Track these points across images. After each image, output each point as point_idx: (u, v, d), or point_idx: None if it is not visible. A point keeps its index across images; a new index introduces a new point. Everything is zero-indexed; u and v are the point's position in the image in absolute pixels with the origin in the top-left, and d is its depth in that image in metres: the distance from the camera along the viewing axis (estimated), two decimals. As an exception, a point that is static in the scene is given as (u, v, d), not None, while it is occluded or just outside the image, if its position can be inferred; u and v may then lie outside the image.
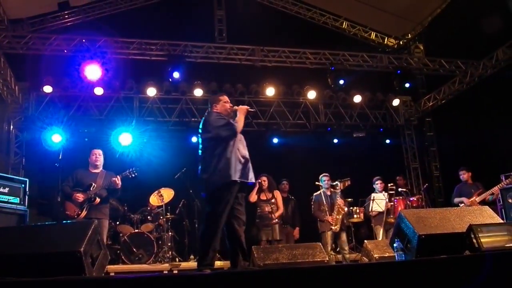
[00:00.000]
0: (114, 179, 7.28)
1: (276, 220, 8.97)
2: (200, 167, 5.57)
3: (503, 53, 11.40)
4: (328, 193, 9.34)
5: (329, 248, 8.98)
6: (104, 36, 10.97)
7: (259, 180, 9.08)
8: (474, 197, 9.37)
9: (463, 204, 9.26)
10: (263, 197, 9.12)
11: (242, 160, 5.54)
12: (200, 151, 5.66)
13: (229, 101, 5.97)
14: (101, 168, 7.58)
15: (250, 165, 5.62)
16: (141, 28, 11.77)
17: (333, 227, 9.01)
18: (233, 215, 5.45)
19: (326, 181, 9.38)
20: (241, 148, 5.64)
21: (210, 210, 5.40)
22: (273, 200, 9.15)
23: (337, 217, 9.05)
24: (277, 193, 9.34)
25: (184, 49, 11.64)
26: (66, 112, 11.55)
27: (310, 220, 9.56)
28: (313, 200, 9.46)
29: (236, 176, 5.38)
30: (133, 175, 7.57)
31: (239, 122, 5.68)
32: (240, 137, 5.72)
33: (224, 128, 5.54)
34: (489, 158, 11.11)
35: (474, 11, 11.15)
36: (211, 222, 5.33)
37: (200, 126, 5.72)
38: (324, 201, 9.20)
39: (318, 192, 9.41)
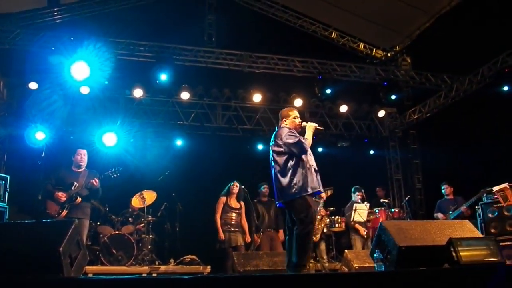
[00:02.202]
0: (92, 181, 7.23)
1: (239, 229, 8.96)
2: (273, 178, 5.93)
3: (488, 70, 11.54)
4: (311, 202, 9.35)
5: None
6: (93, 35, 10.91)
7: (232, 184, 9.07)
8: (448, 214, 9.61)
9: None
10: (232, 203, 9.04)
11: (314, 172, 5.78)
12: (272, 162, 6.00)
13: (298, 116, 6.24)
14: (84, 168, 7.53)
15: (318, 175, 5.85)
16: (131, 28, 11.72)
17: (313, 237, 9.01)
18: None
19: None
20: (311, 159, 5.88)
21: (298, 218, 5.64)
22: (239, 211, 9.09)
23: (318, 226, 9.07)
24: (243, 205, 9.24)
25: (173, 51, 11.64)
26: (51, 110, 11.45)
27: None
28: None
29: (310, 189, 5.65)
30: (115, 175, 7.53)
31: (309, 140, 5.97)
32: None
33: (296, 147, 5.78)
34: (471, 172, 11.22)
35: (461, 27, 11.29)
36: (305, 230, 5.58)
37: (272, 139, 6.05)
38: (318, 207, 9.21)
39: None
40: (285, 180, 5.73)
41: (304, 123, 6.16)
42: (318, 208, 9.19)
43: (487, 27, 10.79)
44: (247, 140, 13.13)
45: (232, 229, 8.85)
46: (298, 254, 5.60)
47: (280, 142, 5.88)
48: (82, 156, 7.52)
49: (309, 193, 5.63)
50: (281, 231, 9.64)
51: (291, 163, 5.76)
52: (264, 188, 9.86)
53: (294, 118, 6.15)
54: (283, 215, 9.89)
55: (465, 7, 11.27)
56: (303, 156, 5.78)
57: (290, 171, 5.73)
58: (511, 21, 10.38)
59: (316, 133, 6.18)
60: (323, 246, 9.23)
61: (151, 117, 12.37)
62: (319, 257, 9.27)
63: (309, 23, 13.28)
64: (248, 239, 9.10)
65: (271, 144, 6.06)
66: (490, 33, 10.89)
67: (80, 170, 7.47)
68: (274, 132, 6.11)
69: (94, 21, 11.86)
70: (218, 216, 8.85)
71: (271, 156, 6.03)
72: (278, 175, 5.82)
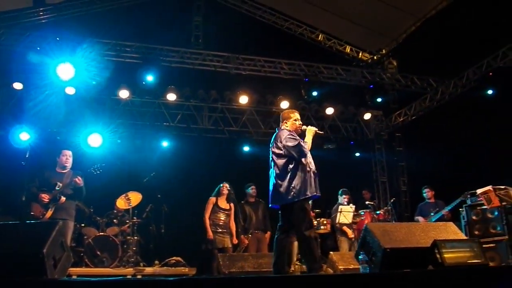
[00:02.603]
0: (75, 179, 7.17)
1: (228, 230, 8.94)
2: (272, 181, 5.90)
3: (473, 73, 11.64)
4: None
5: (295, 259, 9.01)
6: (79, 35, 10.84)
7: (222, 184, 9.06)
8: (428, 217, 9.69)
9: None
10: (221, 204, 9.03)
11: (313, 176, 5.77)
12: (271, 163, 5.99)
13: (299, 118, 6.20)
14: (68, 169, 7.47)
15: (317, 178, 5.84)
16: (117, 29, 11.67)
17: None
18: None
19: None
20: (312, 163, 5.88)
21: (297, 223, 5.63)
22: (228, 212, 9.07)
23: None
24: (233, 206, 9.22)
25: (160, 52, 11.63)
26: (36, 111, 11.35)
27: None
28: None
29: (309, 192, 5.64)
30: (98, 172, 7.47)
31: (308, 143, 5.93)
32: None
33: (296, 150, 5.75)
34: (455, 175, 11.30)
35: (447, 31, 11.38)
36: (307, 233, 5.57)
37: (272, 141, 6.04)
38: None
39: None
40: (283, 183, 5.72)
41: (304, 127, 6.15)
42: None
43: (473, 31, 10.89)
44: (233, 142, 13.14)
45: (220, 230, 8.83)
46: (307, 259, 5.66)
47: (280, 145, 5.87)
48: (68, 158, 7.47)
49: (307, 197, 5.64)
50: (269, 232, 9.63)
51: (290, 166, 5.76)
52: (252, 189, 9.83)
53: (295, 120, 6.13)
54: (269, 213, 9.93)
55: (451, 11, 11.35)
56: (303, 160, 5.77)
57: (289, 174, 5.72)
58: (495, 26, 10.49)
59: (315, 137, 6.17)
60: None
61: (137, 118, 12.32)
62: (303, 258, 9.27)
63: (296, 26, 13.30)
64: (235, 241, 9.08)
65: (270, 145, 6.06)
66: (475, 37, 10.99)
67: (65, 171, 7.42)
68: (274, 134, 6.11)
69: (80, 21, 11.78)
70: (207, 216, 8.83)
71: (270, 157, 6.03)
72: (277, 177, 5.82)
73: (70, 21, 11.80)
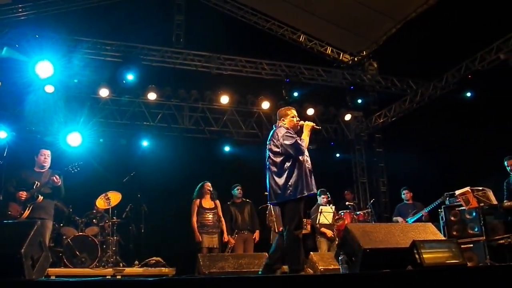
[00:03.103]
0: (53, 178, 7.10)
1: (216, 229, 8.95)
2: (268, 178, 5.88)
3: (452, 76, 11.77)
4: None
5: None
6: (59, 33, 10.73)
7: (203, 184, 9.04)
8: (408, 217, 9.77)
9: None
10: (206, 205, 9.01)
11: (309, 174, 5.79)
12: (267, 161, 5.95)
13: (296, 115, 6.19)
14: (46, 168, 7.39)
15: (312, 176, 5.85)
16: (97, 27, 11.57)
17: None
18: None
19: None
20: (308, 160, 5.89)
21: (288, 221, 5.69)
22: (215, 210, 9.07)
23: None
24: (218, 203, 9.25)
25: (140, 51, 11.57)
26: (14, 109, 11.22)
27: (264, 229, 9.57)
28: (268, 210, 9.44)
29: (305, 191, 5.67)
30: (75, 170, 7.40)
31: (306, 140, 5.94)
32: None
33: (293, 148, 5.75)
34: (434, 176, 11.42)
35: (427, 33, 11.50)
36: (295, 233, 5.64)
37: (268, 138, 6.03)
38: (273, 212, 9.21)
39: (273, 202, 9.37)
40: (280, 181, 5.73)
41: (301, 122, 6.14)
42: None
43: (452, 34, 11.03)
44: (214, 142, 13.11)
45: (209, 230, 8.84)
46: (290, 259, 5.67)
47: (277, 143, 5.85)
48: (46, 157, 7.39)
49: (304, 195, 5.67)
50: (257, 231, 9.61)
51: (287, 164, 5.75)
52: (237, 190, 9.84)
53: (293, 117, 6.12)
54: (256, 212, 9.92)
55: (430, 15, 11.48)
56: (300, 157, 5.78)
57: (286, 172, 5.72)
58: (474, 29, 10.63)
59: (313, 132, 6.18)
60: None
61: (117, 117, 12.23)
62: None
63: (277, 26, 13.33)
64: (226, 238, 9.09)
65: (268, 142, 6.04)
66: (455, 40, 11.14)
67: (43, 170, 7.35)
68: (272, 131, 6.10)
69: (60, 19, 11.65)
70: (194, 219, 8.83)
71: (267, 154, 6.01)
72: (274, 175, 5.81)
73: (50, 18, 11.67)
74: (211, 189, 9.12)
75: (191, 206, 8.98)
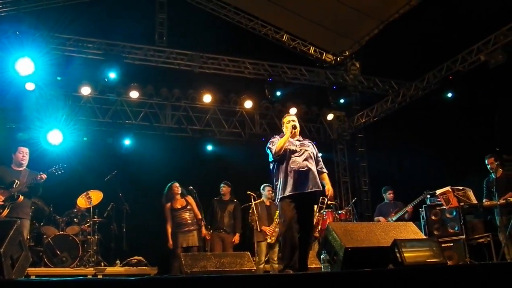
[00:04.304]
0: (38, 176, 7.01)
1: (195, 226, 8.87)
2: None
3: (433, 76, 11.88)
4: (267, 203, 9.37)
5: (264, 258, 9.01)
6: (40, 30, 10.62)
7: (171, 185, 8.98)
8: (390, 216, 9.82)
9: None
10: (177, 205, 8.93)
11: (296, 175, 5.87)
12: None
13: (291, 119, 6.30)
14: (25, 167, 7.29)
15: (309, 175, 5.92)
16: (79, 25, 11.44)
17: (268, 239, 9.01)
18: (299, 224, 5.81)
19: (268, 191, 9.39)
20: (298, 160, 5.96)
21: (281, 221, 5.98)
22: (189, 207, 8.99)
23: (276, 230, 9.05)
24: (189, 198, 9.09)
25: (122, 49, 11.51)
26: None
27: (247, 228, 9.54)
28: (251, 209, 9.43)
29: (287, 192, 5.83)
30: (60, 172, 7.31)
31: (284, 138, 6.03)
32: (299, 148, 6.06)
33: (269, 153, 6.10)
34: (415, 175, 11.53)
35: (409, 34, 11.59)
36: (282, 231, 5.88)
37: None
38: (260, 211, 9.21)
39: (257, 201, 9.36)
40: (275, 185, 6.07)
41: (292, 123, 6.23)
42: (277, 212, 9.18)
43: (434, 36, 11.13)
44: (196, 141, 13.06)
45: (188, 228, 8.76)
46: (281, 256, 5.89)
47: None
48: (24, 155, 7.28)
49: (285, 195, 5.82)
50: (237, 234, 9.52)
51: (276, 168, 6.08)
52: (221, 188, 9.73)
53: (288, 123, 6.26)
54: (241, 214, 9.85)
55: (413, 16, 11.59)
56: (284, 162, 5.96)
57: (275, 175, 6.04)
58: (455, 30, 10.74)
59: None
60: (276, 247, 9.24)
61: (98, 116, 12.13)
62: (269, 257, 9.28)
63: (260, 26, 13.34)
64: (204, 233, 9.00)
65: None
66: (436, 41, 11.25)
67: (21, 169, 7.23)
68: None
69: (41, 16, 11.50)
70: (169, 225, 8.75)
71: None
72: (273, 179, 6.12)
73: (31, 15, 11.52)
74: (180, 188, 9.02)
75: (164, 211, 8.88)
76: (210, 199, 9.79)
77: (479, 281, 4.03)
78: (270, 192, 9.40)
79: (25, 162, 7.29)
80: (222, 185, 9.79)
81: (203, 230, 8.97)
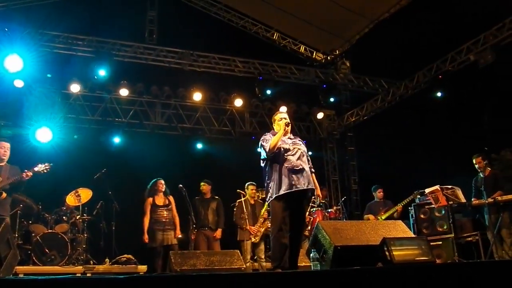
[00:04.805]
0: (24, 174, 6.93)
1: (172, 226, 8.82)
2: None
3: (423, 76, 11.93)
4: (252, 202, 9.38)
5: (248, 257, 9.01)
6: (29, 27, 10.55)
7: (156, 182, 8.93)
8: (380, 215, 9.87)
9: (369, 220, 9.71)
10: (159, 202, 8.89)
11: (291, 173, 5.78)
12: None
13: (283, 117, 6.22)
14: (5, 162, 7.18)
15: (304, 173, 5.84)
16: (69, 22, 11.37)
17: (252, 238, 9.01)
18: (290, 223, 5.76)
19: (252, 190, 9.39)
20: (292, 159, 5.87)
21: (272, 221, 5.99)
22: (169, 206, 8.95)
23: (260, 229, 9.06)
24: (171, 198, 9.07)
25: (113, 47, 11.47)
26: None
27: (229, 227, 9.54)
28: (235, 207, 9.44)
29: (282, 191, 5.72)
30: (45, 171, 7.23)
31: (272, 140, 5.93)
32: (293, 147, 5.97)
33: (262, 151, 6.00)
34: (404, 174, 11.57)
35: (399, 33, 11.63)
36: (272, 231, 5.81)
37: None
38: (245, 210, 9.21)
39: (241, 200, 9.38)
40: (266, 183, 5.95)
41: (284, 120, 6.14)
42: (262, 211, 9.20)
43: (423, 35, 11.18)
44: (186, 139, 13.04)
45: (165, 227, 8.70)
46: (271, 256, 5.83)
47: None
48: (6, 150, 7.15)
49: (279, 195, 5.72)
50: (219, 230, 9.49)
51: (268, 167, 5.96)
52: (201, 186, 9.70)
53: (279, 120, 6.17)
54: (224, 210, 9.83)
55: (403, 15, 11.62)
56: (277, 161, 5.87)
57: (267, 175, 5.94)
58: (445, 30, 10.79)
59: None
60: (262, 245, 9.27)
61: (88, 113, 12.07)
62: (256, 256, 9.30)
63: (251, 24, 13.33)
64: (178, 233, 8.94)
65: None
66: (426, 40, 11.29)
67: (2, 164, 7.13)
68: None
69: (30, 12, 11.42)
70: (146, 218, 8.67)
71: None
72: (265, 177, 6.02)
73: (20, 12, 11.43)
74: (164, 186, 8.99)
75: (144, 204, 8.83)
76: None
77: (468, 279, 4.05)
78: (254, 191, 9.42)
79: (6, 158, 7.16)
80: (202, 183, 9.74)
81: (177, 231, 8.90)
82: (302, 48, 13.91)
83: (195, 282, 3.41)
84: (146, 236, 8.57)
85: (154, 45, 12.13)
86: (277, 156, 5.88)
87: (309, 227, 9.69)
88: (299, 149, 5.98)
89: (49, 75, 11.17)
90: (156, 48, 11.98)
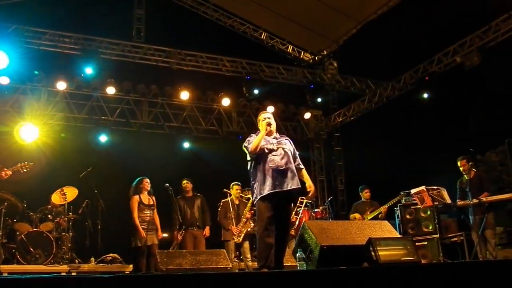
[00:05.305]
0: (3, 173, 6.87)
1: (154, 227, 8.75)
2: None
3: (410, 77, 12.00)
4: (237, 202, 9.37)
5: (233, 256, 9.01)
6: (14, 23, 10.46)
7: (142, 180, 8.87)
8: (366, 215, 9.92)
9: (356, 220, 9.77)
10: (145, 200, 8.82)
11: (275, 174, 5.75)
12: None
13: (266, 117, 6.13)
14: None
15: (288, 173, 5.80)
16: (55, 19, 11.29)
17: (235, 238, 9.00)
18: (276, 223, 5.72)
19: (237, 190, 9.39)
20: (276, 160, 5.83)
21: (257, 221, 5.91)
22: (153, 207, 8.87)
23: (242, 230, 9.05)
24: (154, 199, 8.93)
25: (100, 45, 11.39)
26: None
27: (214, 226, 9.52)
28: (220, 207, 9.43)
29: (265, 191, 5.68)
30: (25, 170, 7.17)
31: (254, 141, 5.90)
32: (277, 147, 5.94)
33: (246, 152, 5.95)
34: (390, 175, 11.65)
35: (386, 35, 11.70)
36: (258, 232, 5.75)
37: None
38: (231, 209, 9.20)
39: (226, 200, 9.38)
40: (252, 184, 5.94)
41: (267, 120, 6.08)
42: (245, 211, 9.20)
43: (410, 37, 11.25)
44: (173, 138, 13.01)
45: (148, 227, 8.63)
46: (257, 255, 5.81)
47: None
48: None
49: (263, 195, 5.70)
50: (207, 228, 9.47)
51: (252, 167, 5.94)
52: (183, 184, 9.62)
53: (263, 120, 6.08)
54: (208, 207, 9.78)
55: (390, 16, 11.68)
56: (261, 162, 5.85)
57: (252, 175, 5.92)
58: (432, 32, 10.87)
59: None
60: (246, 245, 9.25)
61: (74, 111, 11.99)
62: (242, 256, 9.29)
63: (239, 23, 13.31)
64: (160, 235, 8.89)
65: None
66: (413, 42, 11.37)
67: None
68: None
69: (16, 9, 11.31)
70: (135, 215, 8.58)
71: None
72: (250, 178, 6.00)
73: (6, 8, 11.33)
74: (149, 185, 8.93)
75: (131, 203, 8.69)
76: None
77: (452, 279, 4.07)
78: (239, 191, 9.41)
79: None
80: (185, 181, 9.61)
81: (159, 232, 8.85)
82: (290, 48, 13.93)
83: (181, 281, 3.39)
84: (142, 232, 8.38)
85: (141, 43, 12.07)
86: (261, 156, 5.85)
87: (295, 226, 9.73)
88: (283, 148, 5.95)
89: (36, 72, 11.08)
90: (144, 46, 11.93)
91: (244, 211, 9.19)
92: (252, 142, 5.89)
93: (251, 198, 8.80)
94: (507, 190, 8.31)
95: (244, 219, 9.13)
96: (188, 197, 9.53)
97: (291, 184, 5.77)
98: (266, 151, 5.86)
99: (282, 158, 5.87)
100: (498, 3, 9.79)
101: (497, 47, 10.25)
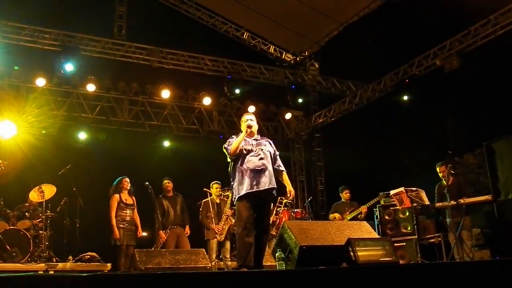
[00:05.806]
0: None
1: (133, 226, 8.72)
2: None
3: (390, 79, 12.10)
4: (217, 201, 9.38)
5: (214, 256, 9.01)
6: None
7: (122, 180, 8.83)
8: (345, 215, 9.98)
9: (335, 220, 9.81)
10: (125, 200, 8.76)
11: (252, 174, 5.84)
12: None
13: (248, 119, 6.23)
14: None
15: (265, 173, 5.87)
16: (35, 14, 11.16)
17: (217, 237, 9.02)
18: (255, 222, 5.80)
19: (217, 189, 9.39)
20: (253, 160, 5.91)
21: (236, 221, 6.06)
22: (133, 206, 8.83)
23: (224, 227, 9.08)
24: (135, 199, 8.95)
25: (80, 41, 11.29)
26: None
27: (197, 226, 9.50)
28: (201, 207, 9.42)
29: (243, 191, 5.79)
30: (1, 168, 7.08)
31: (234, 143, 5.98)
32: (256, 148, 6.02)
33: (226, 153, 6.04)
34: (370, 176, 11.72)
35: (368, 37, 11.78)
36: (237, 231, 5.83)
37: None
38: (211, 209, 9.21)
39: (207, 199, 9.37)
40: (231, 184, 6.04)
41: (248, 122, 6.15)
42: (225, 209, 9.22)
43: (392, 39, 11.34)
44: (153, 136, 12.93)
45: (128, 226, 8.60)
46: (236, 255, 5.91)
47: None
48: None
49: (241, 195, 5.78)
50: (187, 226, 9.43)
51: (232, 168, 6.04)
52: (165, 184, 9.59)
53: (244, 122, 6.18)
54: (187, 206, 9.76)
55: (372, 19, 11.77)
56: (239, 162, 5.93)
57: (232, 175, 6.00)
58: (413, 35, 10.97)
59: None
60: (227, 245, 9.27)
61: (54, 108, 11.86)
62: (222, 255, 9.29)
63: (221, 23, 13.30)
64: (140, 233, 8.86)
65: None
66: (394, 44, 11.46)
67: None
68: None
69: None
70: (113, 214, 8.51)
71: None
72: (230, 179, 6.07)
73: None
74: (129, 184, 8.89)
75: (110, 201, 8.65)
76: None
77: (430, 279, 4.11)
78: (218, 190, 9.42)
79: None
80: (166, 180, 9.57)
81: (140, 231, 8.83)
82: (272, 49, 13.95)
83: (159, 280, 3.38)
84: (116, 232, 8.39)
85: (122, 40, 11.99)
86: (240, 157, 5.94)
87: (276, 225, 9.76)
88: (262, 149, 6.01)
89: (16, 67, 10.94)
90: (125, 43, 11.85)
91: (225, 209, 9.23)
92: (232, 143, 5.97)
93: (229, 195, 8.83)
94: (484, 192, 8.40)
95: (225, 216, 9.16)
96: (169, 197, 9.50)
97: (268, 183, 5.84)
98: (245, 152, 5.94)
99: (260, 158, 5.93)
100: (477, 9, 9.91)
101: (476, 51, 10.39)
